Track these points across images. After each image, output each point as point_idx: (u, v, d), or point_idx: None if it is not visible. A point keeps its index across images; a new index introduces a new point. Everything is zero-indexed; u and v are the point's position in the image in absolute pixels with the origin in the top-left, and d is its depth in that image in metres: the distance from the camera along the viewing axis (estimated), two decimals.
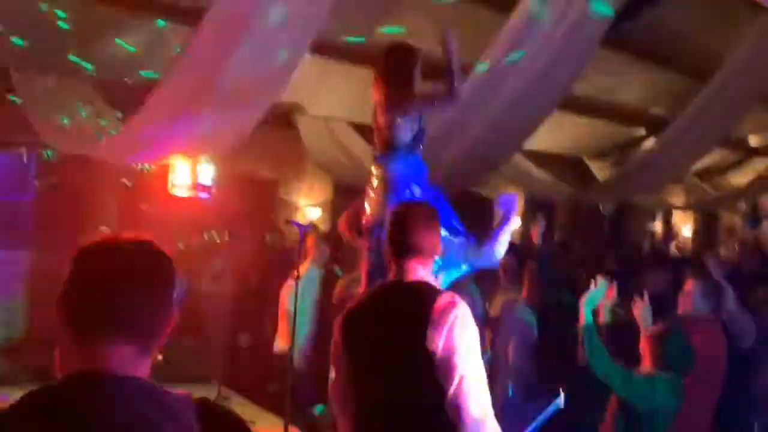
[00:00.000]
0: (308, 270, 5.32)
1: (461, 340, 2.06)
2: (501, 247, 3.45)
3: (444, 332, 2.04)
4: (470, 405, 2.02)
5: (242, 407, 5.13)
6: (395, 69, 3.44)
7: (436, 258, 2.33)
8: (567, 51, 4.94)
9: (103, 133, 5.36)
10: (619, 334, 3.56)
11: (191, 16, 4.99)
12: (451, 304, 2.10)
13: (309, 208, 8.61)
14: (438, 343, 2.04)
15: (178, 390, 1.22)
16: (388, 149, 3.39)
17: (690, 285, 4.03)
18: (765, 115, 11.09)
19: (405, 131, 3.36)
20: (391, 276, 2.31)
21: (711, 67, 7.13)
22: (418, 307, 2.12)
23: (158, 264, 1.24)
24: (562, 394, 2.86)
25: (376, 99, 3.48)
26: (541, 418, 2.82)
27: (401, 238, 2.27)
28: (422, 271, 2.25)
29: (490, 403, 2.08)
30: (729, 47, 6.86)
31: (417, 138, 3.43)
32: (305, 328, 5.13)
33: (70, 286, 1.20)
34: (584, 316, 3.29)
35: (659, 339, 3.30)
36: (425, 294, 2.16)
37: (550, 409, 2.84)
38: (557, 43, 4.80)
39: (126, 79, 6.00)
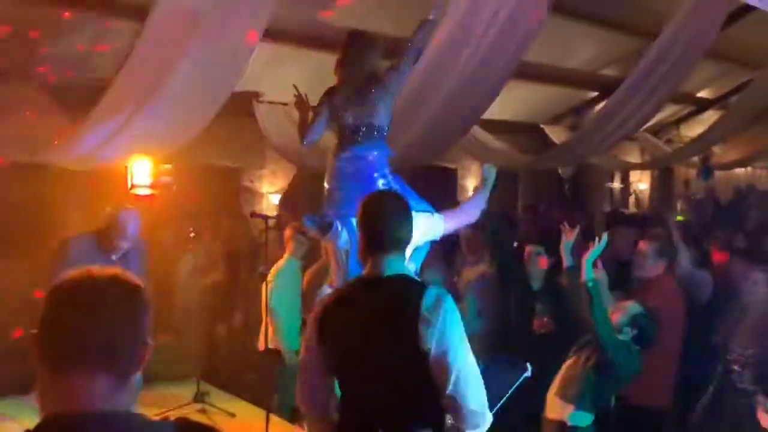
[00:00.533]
0: (287, 262, 5.29)
1: (454, 335, 2.04)
2: (479, 207, 3.68)
3: (437, 330, 2.01)
4: (469, 399, 2.02)
5: (222, 401, 5.15)
6: (355, 55, 3.50)
7: (410, 246, 2.31)
8: (517, 21, 4.98)
9: (56, 137, 5.24)
10: None
11: (139, 12, 4.91)
12: (440, 300, 2.07)
13: (273, 195, 8.58)
14: (432, 342, 2.01)
15: (156, 418, 1.27)
16: (352, 135, 3.45)
17: (643, 245, 4.16)
18: (712, 68, 11.39)
19: (383, 114, 3.45)
20: (367, 270, 2.23)
21: (658, 26, 7.27)
22: (406, 305, 2.06)
23: (129, 295, 1.27)
24: (529, 365, 3.01)
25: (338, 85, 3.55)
26: (512, 388, 2.95)
27: (377, 230, 2.20)
28: (400, 264, 2.21)
29: (485, 393, 2.08)
30: (674, 5, 7.00)
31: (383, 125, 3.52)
32: (294, 323, 5.05)
33: (44, 323, 1.22)
34: (586, 272, 3.43)
35: (624, 312, 3.48)
36: (411, 290, 2.11)
37: (520, 379, 2.98)
38: (506, 16, 4.84)
39: (76, 79, 5.87)
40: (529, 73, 8.99)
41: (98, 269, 1.27)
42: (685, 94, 11.92)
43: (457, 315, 2.10)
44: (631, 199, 14.86)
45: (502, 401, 2.82)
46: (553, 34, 8.48)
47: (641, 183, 15.52)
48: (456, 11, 4.90)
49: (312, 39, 7.13)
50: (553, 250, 4.28)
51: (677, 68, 7.37)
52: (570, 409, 3.39)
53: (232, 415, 4.89)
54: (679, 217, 8.67)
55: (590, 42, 9.73)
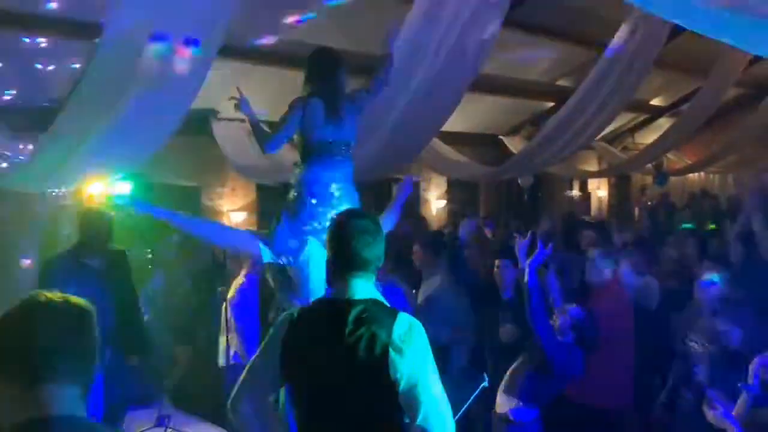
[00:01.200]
0: (246, 278, 5.28)
1: (425, 366, 1.99)
2: (393, 221, 3.87)
3: (408, 360, 1.96)
4: (437, 430, 1.97)
5: (185, 424, 5.07)
6: (326, 72, 3.56)
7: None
8: (470, 36, 5.06)
9: (11, 162, 5.14)
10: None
11: (90, 31, 4.87)
12: (412, 328, 2.02)
13: (234, 213, 8.52)
14: (401, 372, 1.96)
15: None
16: (326, 150, 3.50)
17: (592, 252, 4.32)
18: (664, 76, 11.73)
19: (349, 128, 3.57)
20: (335, 291, 2.16)
21: (610, 37, 7.47)
22: (377, 333, 1.99)
23: (81, 316, 1.44)
24: (486, 376, 3.10)
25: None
26: (470, 399, 3.02)
27: (346, 250, 2.12)
28: (369, 287, 2.14)
29: (452, 421, 2.03)
30: (624, 15, 7.19)
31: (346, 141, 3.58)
32: (256, 338, 5.00)
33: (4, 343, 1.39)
34: (530, 276, 3.53)
35: (566, 315, 3.61)
36: (382, 316, 2.04)
37: (477, 390, 3.06)
38: (458, 32, 4.91)
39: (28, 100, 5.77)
40: (486, 85, 9.16)
41: (50, 293, 1.45)
42: (639, 102, 12.24)
43: (428, 344, 2.04)
44: (593, 206, 15.16)
45: (460, 413, 2.87)
46: (508, 46, 8.66)
47: (600, 190, 15.83)
48: (411, 25, 4.97)
49: (269, 55, 7.15)
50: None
51: (628, 77, 7.57)
52: (514, 403, 3.52)
53: None
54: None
55: (545, 54, 9.94)
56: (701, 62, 11.03)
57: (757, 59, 10.76)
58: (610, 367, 3.80)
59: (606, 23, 7.95)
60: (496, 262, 4.95)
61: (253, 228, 8.36)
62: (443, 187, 11.63)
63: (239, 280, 5.26)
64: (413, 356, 1.97)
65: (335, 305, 2.13)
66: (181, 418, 5.17)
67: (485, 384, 3.10)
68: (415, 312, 4.16)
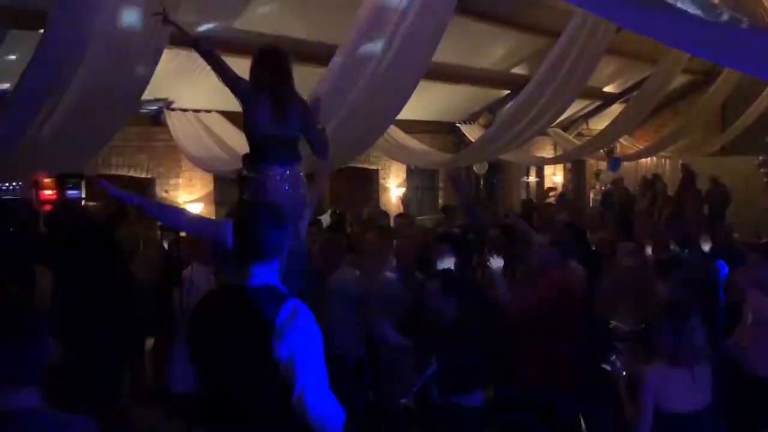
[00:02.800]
0: (197, 272, 5.18)
1: (303, 348, 2.09)
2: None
3: (287, 343, 2.07)
4: (315, 407, 2.08)
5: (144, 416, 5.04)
6: (277, 69, 3.64)
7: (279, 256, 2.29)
8: (422, 24, 5.08)
9: None
10: None
11: (35, 21, 4.74)
12: (295, 313, 2.11)
13: (189, 204, 8.39)
14: (281, 354, 2.07)
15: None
16: (280, 148, 3.54)
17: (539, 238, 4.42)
18: (616, 63, 11.97)
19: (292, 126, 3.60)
20: (235, 277, 2.28)
21: (562, 25, 7.58)
22: (262, 317, 2.10)
23: (15, 308, 1.48)
24: (434, 360, 3.20)
25: None
26: (419, 383, 3.21)
27: (246, 237, 2.24)
28: (267, 273, 2.23)
29: (333, 401, 2.14)
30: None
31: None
32: None
33: None
34: None
35: None
36: (270, 302, 2.14)
37: (427, 373, 3.19)
38: (411, 20, 4.94)
39: None
40: (442, 73, 9.21)
41: None
42: (592, 89, 12.46)
43: (312, 328, 2.14)
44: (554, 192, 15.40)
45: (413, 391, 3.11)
46: (463, 35, 8.72)
47: (555, 176, 16.10)
48: (364, 14, 4.96)
49: (224, 45, 7.05)
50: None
51: (581, 64, 7.70)
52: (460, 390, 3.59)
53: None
54: None
55: (500, 42, 10.04)
56: (652, 50, 11.30)
57: None
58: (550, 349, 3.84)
59: (558, 12, 8.08)
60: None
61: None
62: (402, 175, 11.69)
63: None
64: (292, 340, 2.07)
65: (231, 291, 2.29)
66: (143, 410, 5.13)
67: (434, 367, 3.22)
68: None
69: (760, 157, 13.77)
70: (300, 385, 2.07)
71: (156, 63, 4.62)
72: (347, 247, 5.11)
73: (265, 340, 2.08)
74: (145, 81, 4.74)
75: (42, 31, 4.22)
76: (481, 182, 12.80)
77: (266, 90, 3.61)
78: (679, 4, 2.71)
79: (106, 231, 4.60)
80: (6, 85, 5.73)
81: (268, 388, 2.11)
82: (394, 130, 9.30)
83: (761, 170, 13.83)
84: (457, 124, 12.12)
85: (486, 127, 11.69)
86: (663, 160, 16.03)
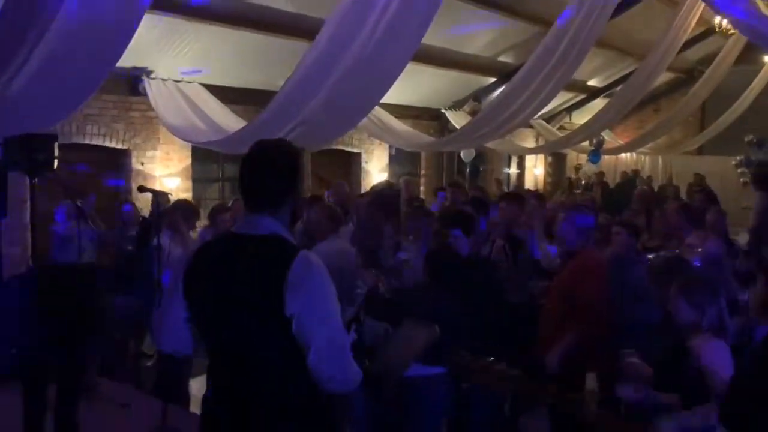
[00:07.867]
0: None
1: (320, 304, 1.94)
2: None
3: (301, 297, 1.91)
4: (332, 368, 1.95)
5: (115, 392, 4.90)
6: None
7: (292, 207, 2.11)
8: (411, 6, 4.94)
9: None
10: None
11: None
12: (309, 265, 1.95)
13: (167, 178, 8.17)
14: (295, 309, 1.90)
15: None
16: None
17: None
18: (601, 57, 11.96)
19: None
20: (241, 225, 2.11)
21: (553, 14, 7.49)
22: (273, 269, 1.93)
23: None
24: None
25: None
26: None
27: (253, 184, 2.06)
28: (276, 222, 2.04)
29: (350, 359, 2.00)
30: None
31: None
32: None
33: None
34: None
35: None
36: (281, 253, 1.96)
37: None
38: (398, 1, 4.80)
39: None
40: (429, 57, 9.09)
41: None
42: (577, 82, 12.45)
43: (326, 282, 1.97)
44: (529, 183, 15.44)
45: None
46: (452, 18, 8.60)
47: (536, 168, 16.13)
48: None
49: (204, 11, 6.85)
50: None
51: (571, 56, 7.61)
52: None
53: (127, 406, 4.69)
54: None
55: (489, 27, 9.94)
56: (638, 45, 11.30)
57: (688, 44, 11.11)
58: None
59: (550, 1, 8.00)
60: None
61: (188, 195, 8.07)
62: (384, 160, 11.57)
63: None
64: (307, 293, 1.91)
65: (235, 239, 2.08)
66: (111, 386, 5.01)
67: (436, 333, 3.12)
68: None
69: (738, 158, 13.97)
70: (315, 347, 1.91)
71: (135, 24, 4.39)
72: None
73: (277, 293, 1.90)
74: (123, 44, 4.51)
75: None
76: (467, 169, 12.74)
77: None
78: None
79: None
80: None
81: (281, 344, 1.94)
82: (378, 111, 9.17)
83: (738, 170, 14.02)
84: (443, 110, 12.03)
85: (471, 114, 11.60)
86: (642, 157, 16.17)
